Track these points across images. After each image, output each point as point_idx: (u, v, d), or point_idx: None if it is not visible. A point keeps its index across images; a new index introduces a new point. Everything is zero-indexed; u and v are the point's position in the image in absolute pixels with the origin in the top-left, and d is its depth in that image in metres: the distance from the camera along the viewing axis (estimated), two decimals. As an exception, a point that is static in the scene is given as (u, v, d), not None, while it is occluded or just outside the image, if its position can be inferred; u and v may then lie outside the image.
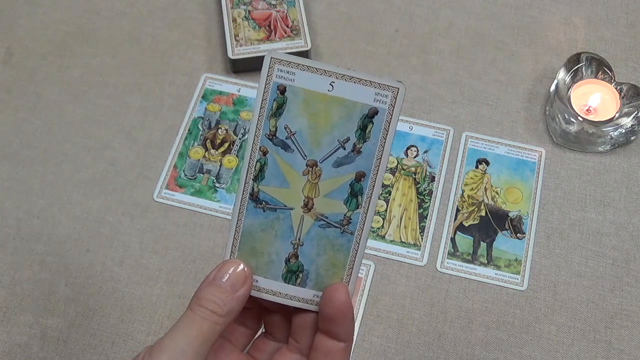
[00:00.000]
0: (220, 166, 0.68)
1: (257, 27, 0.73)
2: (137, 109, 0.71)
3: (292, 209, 0.38)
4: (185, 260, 0.63)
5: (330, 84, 0.37)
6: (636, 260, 0.64)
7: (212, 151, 0.69)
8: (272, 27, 0.73)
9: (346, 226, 0.38)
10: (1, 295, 0.62)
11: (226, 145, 0.69)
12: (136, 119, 0.70)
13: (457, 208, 0.66)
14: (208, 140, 0.69)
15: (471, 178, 0.67)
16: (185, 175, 0.67)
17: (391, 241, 0.64)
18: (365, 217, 0.38)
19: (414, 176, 0.67)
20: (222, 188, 0.67)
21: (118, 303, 0.61)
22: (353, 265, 0.39)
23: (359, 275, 0.62)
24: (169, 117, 0.70)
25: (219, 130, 0.70)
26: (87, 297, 0.62)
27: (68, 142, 0.69)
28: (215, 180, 0.67)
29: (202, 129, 0.70)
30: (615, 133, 0.67)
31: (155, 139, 0.69)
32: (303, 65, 0.37)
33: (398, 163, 0.68)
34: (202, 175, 0.67)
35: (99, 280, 0.62)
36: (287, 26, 0.73)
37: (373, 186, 0.38)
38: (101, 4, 0.77)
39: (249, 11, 0.74)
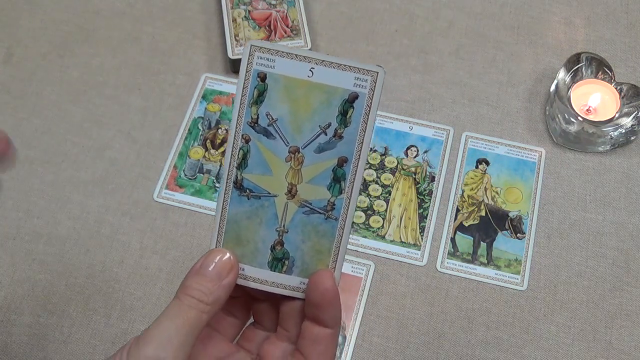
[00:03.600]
0: (220, 166, 0.68)
1: (257, 27, 0.73)
2: (137, 109, 0.71)
3: (276, 196, 0.39)
4: (185, 260, 0.63)
5: (310, 70, 0.37)
6: (636, 260, 0.64)
7: (212, 151, 0.69)
8: (272, 27, 0.73)
9: (330, 212, 0.39)
10: (1, 295, 0.62)
11: (226, 145, 0.69)
12: (136, 119, 0.70)
13: (457, 208, 0.66)
14: (208, 140, 0.69)
15: (471, 178, 0.67)
16: (185, 175, 0.67)
17: (391, 241, 0.64)
18: (349, 202, 0.38)
19: (414, 176, 0.67)
20: (222, 188, 0.67)
21: (118, 303, 0.61)
22: (338, 251, 0.39)
23: (359, 275, 0.62)
24: (169, 117, 0.70)
25: (219, 130, 0.70)
26: (87, 297, 0.62)
27: (68, 142, 0.69)
28: (215, 180, 0.67)
29: (202, 129, 0.70)
30: (615, 133, 0.67)
31: (155, 139, 0.69)
32: (282, 52, 0.37)
33: (398, 163, 0.68)
34: (202, 175, 0.67)
35: (99, 280, 0.62)
36: (287, 26, 0.73)
37: (355, 171, 0.38)
38: (101, 4, 0.77)
39: (249, 11, 0.74)
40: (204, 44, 0.75)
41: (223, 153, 0.69)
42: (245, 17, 0.73)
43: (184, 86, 0.72)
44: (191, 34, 0.75)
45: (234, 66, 0.72)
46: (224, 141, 0.69)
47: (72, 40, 0.75)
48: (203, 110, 0.71)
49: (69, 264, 0.63)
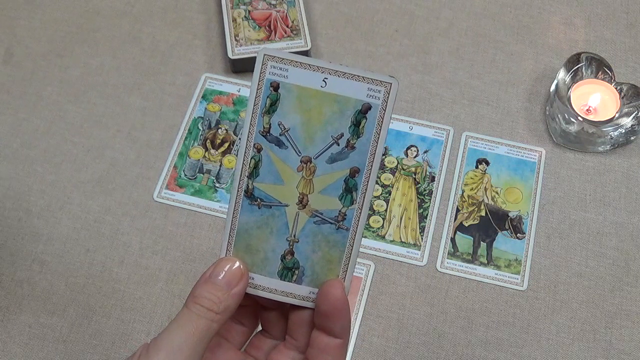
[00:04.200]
0: (220, 166, 0.68)
1: (257, 27, 0.73)
2: (137, 109, 0.71)
3: (287, 205, 0.39)
4: (185, 260, 0.63)
5: (323, 80, 0.37)
6: (636, 260, 0.64)
7: (212, 151, 0.69)
8: (272, 27, 0.73)
9: (341, 222, 0.39)
10: (1, 295, 0.62)
11: (226, 145, 0.69)
12: (136, 119, 0.70)
13: (457, 208, 0.66)
14: (208, 140, 0.69)
15: (471, 178, 0.67)
16: (185, 175, 0.67)
17: (391, 241, 0.64)
18: (360, 212, 0.38)
19: (414, 176, 0.67)
20: (222, 188, 0.67)
21: (118, 303, 0.61)
22: (349, 261, 0.39)
23: (359, 275, 0.62)
24: (169, 117, 0.70)
25: (219, 130, 0.70)
26: (87, 297, 0.62)
27: (68, 142, 0.69)
28: (215, 180, 0.67)
29: (202, 129, 0.70)
30: (615, 133, 0.67)
31: (155, 139, 0.69)
32: (296, 62, 0.37)
33: (398, 163, 0.68)
34: (202, 175, 0.67)
35: (99, 280, 0.62)
36: (287, 26, 0.73)
37: (367, 182, 0.38)
38: (101, 4, 0.77)
39: (249, 11, 0.74)
40: (204, 44, 0.75)
41: (223, 153, 0.69)
42: (245, 17, 0.73)
43: (184, 86, 0.72)
44: (191, 34, 0.75)
45: (234, 66, 0.72)
46: (224, 141, 0.69)
47: (72, 40, 0.75)
48: (203, 110, 0.71)
49: (69, 264, 0.63)
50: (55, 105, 0.71)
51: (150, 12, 0.77)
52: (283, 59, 0.37)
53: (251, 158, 0.38)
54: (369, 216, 0.65)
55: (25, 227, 0.65)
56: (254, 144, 0.38)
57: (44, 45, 0.75)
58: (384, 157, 0.68)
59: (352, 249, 0.39)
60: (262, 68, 0.37)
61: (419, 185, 0.67)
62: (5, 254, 0.63)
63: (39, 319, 0.61)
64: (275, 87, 0.37)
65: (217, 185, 0.67)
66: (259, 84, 0.38)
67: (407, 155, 0.68)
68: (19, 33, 0.76)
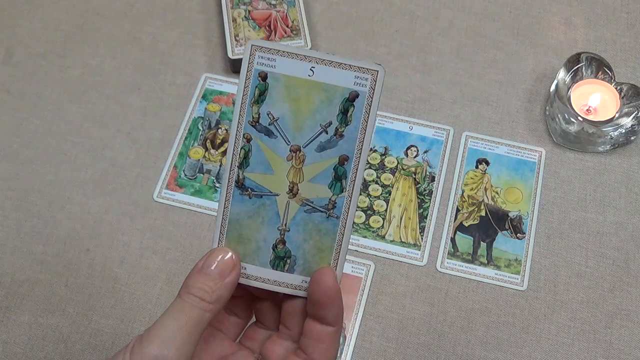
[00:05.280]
0: (220, 166, 0.68)
1: (257, 27, 0.73)
2: (137, 109, 0.71)
3: (277, 194, 0.39)
4: (185, 260, 0.63)
5: (310, 69, 0.38)
6: (636, 260, 0.64)
7: (212, 151, 0.69)
8: (272, 27, 0.73)
9: (331, 210, 0.39)
10: (1, 295, 0.62)
11: (226, 145, 0.69)
12: (136, 119, 0.70)
13: (457, 208, 0.66)
14: (208, 140, 0.69)
15: (471, 178, 0.67)
16: (185, 175, 0.67)
17: (391, 241, 0.64)
18: (350, 200, 0.39)
19: (414, 176, 0.67)
20: (222, 188, 0.67)
21: (118, 303, 0.61)
22: (340, 249, 0.39)
23: (359, 275, 0.62)
24: (169, 117, 0.70)
25: (219, 130, 0.70)
26: (87, 297, 0.62)
27: (68, 142, 0.69)
28: (215, 180, 0.67)
29: (202, 129, 0.70)
30: (615, 133, 0.67)
31: (155, 139, 0.69)
32: (283, 52, 0.38)
33: (398, 163, 0.68)
34: (202, 175, 0.67)
35: (99, 280, 0.62)
36: (287, 26, 0.73)
37: (356, 169, 0.38)
38: (101, 4, 0.77)
39: (249, 11, 0.74)
40: (204, 44, 0.75)
41: (223, 153, 0.69)
42: (245, 17, 0.74)
43: (184, 86, 0.72)
44: (191, 34, 0.75)
45: (234, 66, 0.72)
46: (224, 141, 0.69)
47: (72, 40, 0.75)
48: (203, 110, 0.71)
49: (69, 264, 0.63)
50: (55, 105, 0.71)
51: (150, 12, 0.77)
52: (271, 49, 0.38)
53: (241, 148, 0.39)
54: (369, 216, 0.65)
55: (25, 227, 0.65)
56: (244, 134, 0.38)
57: (44, 45, 0.75)
58: (384, 157, 0.68)
59: (342, 237, 0.39)
60: (250, 59, 0.38)
61: (419, 185, 0.67)
62: (6, 254, 0.63)
63: (39, 319, 0.61)
64: (264, 77, 0.38)
65: (217, 185, 0.67)
66: (247, 75, 0.38)
67: (407, 155, 0.68)
68: (19, 33, 0.76)
